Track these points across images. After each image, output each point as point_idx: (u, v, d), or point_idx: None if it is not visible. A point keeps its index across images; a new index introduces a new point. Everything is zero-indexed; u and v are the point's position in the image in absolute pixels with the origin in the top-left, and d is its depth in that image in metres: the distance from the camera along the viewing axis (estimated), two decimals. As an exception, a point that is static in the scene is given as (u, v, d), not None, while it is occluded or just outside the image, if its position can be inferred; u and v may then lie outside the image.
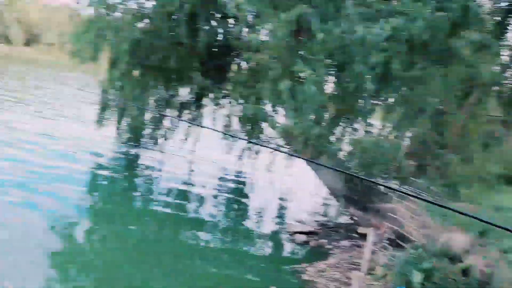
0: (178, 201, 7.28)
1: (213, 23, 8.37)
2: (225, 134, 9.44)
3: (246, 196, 8.76)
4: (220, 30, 8.54)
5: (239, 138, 10.10)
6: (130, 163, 9.34)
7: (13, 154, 7.78)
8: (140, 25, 7.94)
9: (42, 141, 9.26)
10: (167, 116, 9.65)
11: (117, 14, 7.73)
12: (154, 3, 7.95)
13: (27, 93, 19.08)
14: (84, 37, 7.67)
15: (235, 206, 7.85)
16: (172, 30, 7.65)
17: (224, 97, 9.37)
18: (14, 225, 4.92)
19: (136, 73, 8.65)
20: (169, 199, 7.27)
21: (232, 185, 9.22)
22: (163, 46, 7.67)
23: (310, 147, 6.13)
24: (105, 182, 7.73)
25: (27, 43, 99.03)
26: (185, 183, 8.54)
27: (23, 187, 6.18)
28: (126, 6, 7.75)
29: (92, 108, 10.73)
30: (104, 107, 9.41)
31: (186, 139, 10.27)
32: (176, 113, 9.78)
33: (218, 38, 8.62)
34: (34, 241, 4.60)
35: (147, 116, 9.44)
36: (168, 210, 6.51)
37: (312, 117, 6.07)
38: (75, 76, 38.19)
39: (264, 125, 8.20)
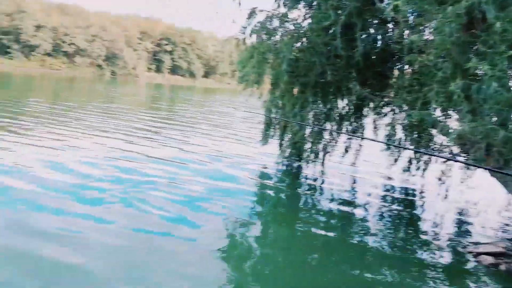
0: (340, 221, 6.89)
1: (370, 30, 8.15)
2: (389, 144, 8.91)
3: (416, 214, 7.73)
4: (378, 36, 8.25)
5: (405, 148, 9.42)
6: (293, 179, 9.45)
7: (177, 172, 8.63)
8: (297, 44, 8.29)
9: (208, 160, 10.18)
10: (326, 129, 9.70)
11: (277, 37, 8.23)
12: (310, 21, 8.21)
13: (200, 117, 21.89)
14: (249, 63, 8.43)
15: (405, 227, 6.92)
16: (328, 44, 7.74)
17: (385, 105, 8.94)
18: (172, 244, 5.26)
19: (295, 90, 9.01)
20: (331, 219, 6.97)
21: (400, 202, 8.33)
22: (320, 61, 7.79)
23: (495, 154, 5.24)
24: (269, 200, 7.84)
25: (205, 75, 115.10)
26: (347, 199, 8.11)
27: (186, 204, 6.70)
28: (285, 28, 8.20)
29: (257, 128, 11.53)
30: (267, 126, 10.10)
31: (347, 151, 10.17)
32: (335, 126, 9.77)
33: (376, 45, 8.34)
34: (195, 262, 4.82)
35: (307, 131, 9.64)
36: (330, 234, 6.20)
37: (495, 119, 5.22)
38: (242, 100, 42.30)
39: (433, 132, 7.46)
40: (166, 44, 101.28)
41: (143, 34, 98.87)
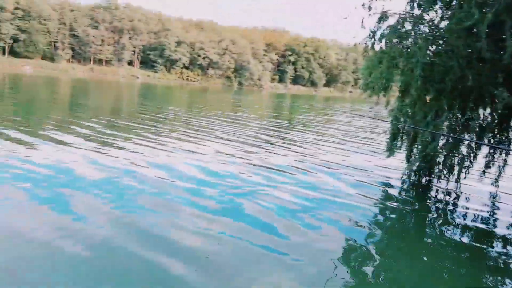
0: (473, 257, 5.72)
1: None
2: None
3: None
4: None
5: None
6: (420, 198, 8.54)
7: (289, 182, 8.48)
8: (433, 47, 7.59)
9: (322, 171, 9.81)
10: (464, 140, 8.59)
11: (409, 41, 7.65)
12: (448, 22, 7.45)
13: (318, 126, 21.73)
14: (377, 69, 8.00)
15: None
16: (469, 46, 6.91)
17: (540, 116, 7.60)
18: (271, 257, 5.06)
19: (428, 98, 8.24)
20: (463, 253, 5.86)
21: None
22: (459, 65, 6.99)
23: None
24: (389, 221, 7.07)
25: (327, 83, 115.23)
26: (484, 229, 6.87)
27: (293, 217, 6.42)
28: (419, 31, 7.58)
29: (382, 138, 10.69)
30: (394, 136, 9.43)
31: (488, 167, 8.89)
32: (474, 137, 8.62)
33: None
34: (294, 279, 4.62)
35: (440, 142, 8.69)
36: (461, 270, 5.27)
37: None
38: (364, 109, 40.81)
39: None
40: (290, 55, 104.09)
41: (269, 46, 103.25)
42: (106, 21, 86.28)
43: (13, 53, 77.08)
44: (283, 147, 13.20)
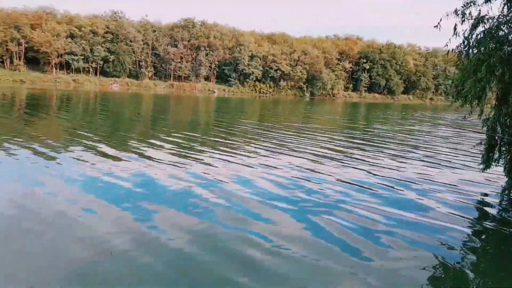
0: None
1: None
2: None
3: None
4: None
5: None
6: None
7: (362, 198, 8.02)
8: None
9: (400, 186, 9.10)
10: None
11: (508, 47, 6.87)
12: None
13: (396, 137, 20.43)
14: (471, 77, 7.29)
15: None
16: None
17: None
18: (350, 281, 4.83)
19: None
20: None
21: None
22: None
23: None
24: (487, 245, 6.33)
25: (405, 91, 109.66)
26: None
27: (371, 237, 6.02)
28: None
29: (466, 150, 9.60)
30: (491, 148, 8.55)
31: None
32: None
33: None
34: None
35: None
36: None
37: None
38: (451, 118, 37.97)
39: None
40: (365, 62, 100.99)
41: (342, 54, 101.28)
42: (184, 39, 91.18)
43: (103, 73, 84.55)
44: (361, 160, 12.53)
